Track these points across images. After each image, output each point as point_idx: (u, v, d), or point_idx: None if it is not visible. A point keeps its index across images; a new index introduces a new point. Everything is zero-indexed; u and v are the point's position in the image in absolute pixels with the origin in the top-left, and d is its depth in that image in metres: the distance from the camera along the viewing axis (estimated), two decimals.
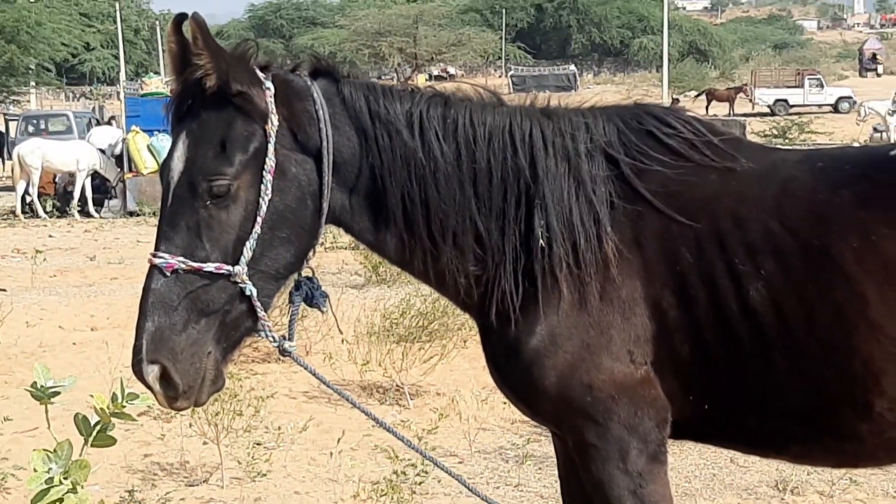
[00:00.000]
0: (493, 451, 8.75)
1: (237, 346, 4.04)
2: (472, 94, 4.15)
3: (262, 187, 3.77)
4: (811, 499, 7.72)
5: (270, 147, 3.79)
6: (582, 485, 4.14)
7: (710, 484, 8.01)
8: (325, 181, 3.87)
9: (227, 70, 3.75)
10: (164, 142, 27.39)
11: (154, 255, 3.76)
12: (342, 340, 10.74)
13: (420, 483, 7.41)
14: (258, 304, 3.83)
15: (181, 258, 3.72)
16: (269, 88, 3.83)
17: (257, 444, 8.41)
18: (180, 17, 3.89)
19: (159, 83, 33.38)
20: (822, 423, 3.84)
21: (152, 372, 3.76)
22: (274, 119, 3.79)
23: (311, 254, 4.05)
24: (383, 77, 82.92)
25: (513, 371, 4.05)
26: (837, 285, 3.67)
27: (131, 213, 25.87)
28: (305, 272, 4.11)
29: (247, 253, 3.76)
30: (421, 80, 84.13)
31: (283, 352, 4.13)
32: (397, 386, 10.37)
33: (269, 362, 11.20)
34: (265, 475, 8.18)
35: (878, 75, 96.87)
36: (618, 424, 3.90)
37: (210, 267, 3.73)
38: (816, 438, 3.92)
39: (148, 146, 27.07)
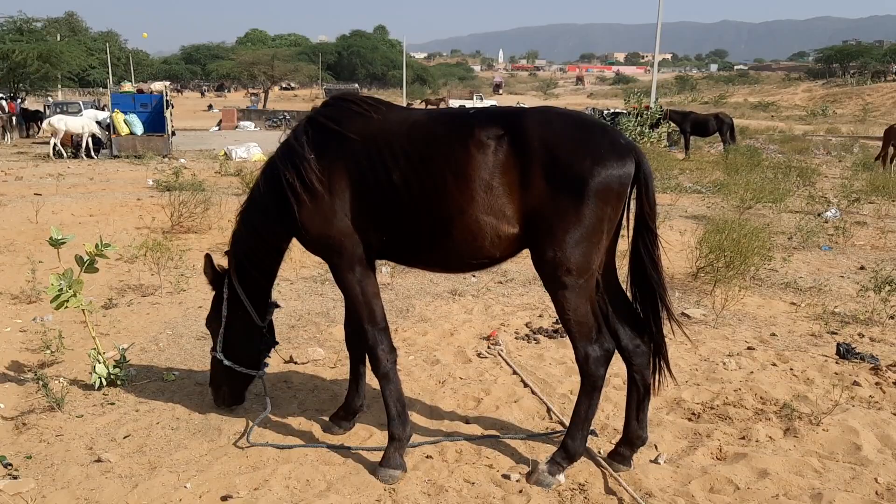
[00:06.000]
0: (308, 278, 8.69)
1: None
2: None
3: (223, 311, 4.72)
4: (468, 298, 7.93)
5: (225, 296, 4.71)
6: None
7: (420, 293, 8.14)
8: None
9: (211, 277, 4.77)
10: (132, 118, 25.80)
11: None
12: (227, 221, 10.47)
13: None
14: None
15: None
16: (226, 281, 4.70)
17: (182, 275, 8.16)
18: (207, 257, 4.75)
19: (129, 86, 31.66)
20: (433, 246, 3.91)
21: None
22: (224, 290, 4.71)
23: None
24: (255, 87, 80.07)
25: (302, 234, 4.11)
26: (436, 175, 3.76)
27: (115, 157, 24.30)
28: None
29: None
30: (275, 89, 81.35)
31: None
32: None
33: (189, 233, 10.82)
34: (184, 290, 7.97)
35: (500, 94, 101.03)
36: (346, 251, 4.02)
37: None
38: (432, 256, 4.00)
39: (123, 120, 25.42)
